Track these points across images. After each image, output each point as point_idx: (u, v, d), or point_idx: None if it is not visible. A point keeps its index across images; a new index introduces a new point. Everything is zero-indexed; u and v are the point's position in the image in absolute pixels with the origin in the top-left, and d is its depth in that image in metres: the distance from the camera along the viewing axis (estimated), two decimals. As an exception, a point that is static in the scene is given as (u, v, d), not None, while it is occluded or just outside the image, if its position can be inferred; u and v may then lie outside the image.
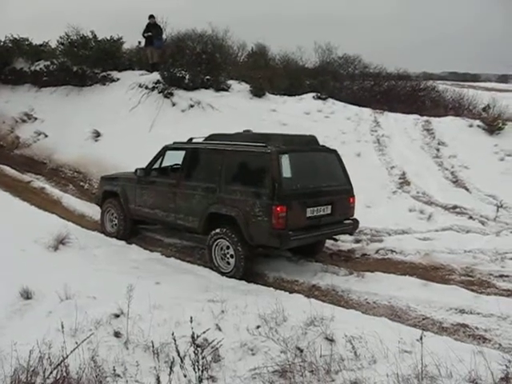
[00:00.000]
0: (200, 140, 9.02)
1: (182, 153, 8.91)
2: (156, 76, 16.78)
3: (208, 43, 24.14)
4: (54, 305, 6.19)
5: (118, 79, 17.84)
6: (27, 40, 20.59)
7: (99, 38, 19.16)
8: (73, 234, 8.80)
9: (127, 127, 14.35)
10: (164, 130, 13.60)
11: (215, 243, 8.07)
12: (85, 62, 18.14)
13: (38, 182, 13.14)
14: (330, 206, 8.11)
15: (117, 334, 5.48)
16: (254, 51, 27.73)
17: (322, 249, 9.19)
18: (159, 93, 16.07)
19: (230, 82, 17.76)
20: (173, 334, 4.16)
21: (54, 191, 12.44)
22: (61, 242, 8.46)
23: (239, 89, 17.51)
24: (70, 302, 6.13)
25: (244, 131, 9.20)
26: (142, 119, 14.64)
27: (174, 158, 9.22)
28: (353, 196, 8.59)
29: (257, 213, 7.50)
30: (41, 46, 20.70)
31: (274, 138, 8.21)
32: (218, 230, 7.99)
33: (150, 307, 5.92)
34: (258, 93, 17.14)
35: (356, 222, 8.63)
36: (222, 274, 7.90)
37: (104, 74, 18.16)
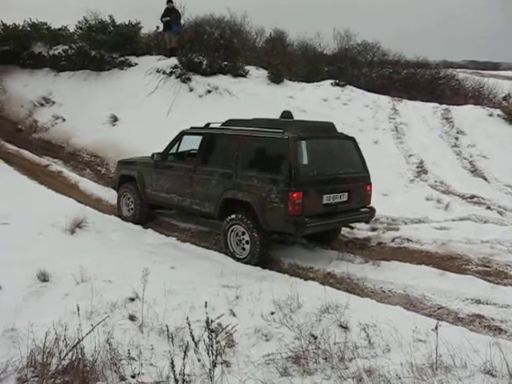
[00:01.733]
0: (217, 125, 8.98)
1: (199, 138, 8.89)
2: (174, 61, 16.75)
3: (226, 28, 24.10)
4: (70, 287, 6.23)
5: (136, 64, 17.81)
6: (46, 24, 20.61)
7: (117, 23, 19.10)
8: (89, 217, 8.84)
9: (145, 112, 14.36)
10: (181, 115, 13.58)
11: (231, 229, 8.09)
12: (103, 47, 18.12)
13: (56, 166, 13.24)
14: (346, 194, 8.08)
15: (132, 318, 5.50)
16: (272, 37, 27.60)
17: (338, 236, 9.17)
18: (177, 78, 16.05)
19: (248, 67, 17.70)
20: (187, 318, 4.18)
21: (72, 175, 12.52)
22: (77, 225, 8.52)
23: (257, 75, 17.45)
24: (85, 285, 6.16)
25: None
26: (160, 104, 14.63)
27: (191, 143, 9.18)
28: (370, 184, 8.55)
29: (273, 199, 7.50)
30: (59, 30, 20.69)
31: (292, 124, 8.20)
32: (233, 216, 8.00)
33: (164, 291, 5.92)
34: (275, 79, 17.07)
35: (372, 210, 8.61)
36: (238, 259, 7.92)
37: (122, 58, 18.14)
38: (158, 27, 20.08)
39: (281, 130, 7.71)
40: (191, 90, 15.62)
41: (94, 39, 18.31)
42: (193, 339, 3.95)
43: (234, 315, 5.65)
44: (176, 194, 9.02)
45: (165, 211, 10.18)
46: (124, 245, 8.17)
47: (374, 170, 8.79)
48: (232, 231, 8.10)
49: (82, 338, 4.51)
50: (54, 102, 16.97)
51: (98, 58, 17.94)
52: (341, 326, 5.32)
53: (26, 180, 11.62)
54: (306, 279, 7.13)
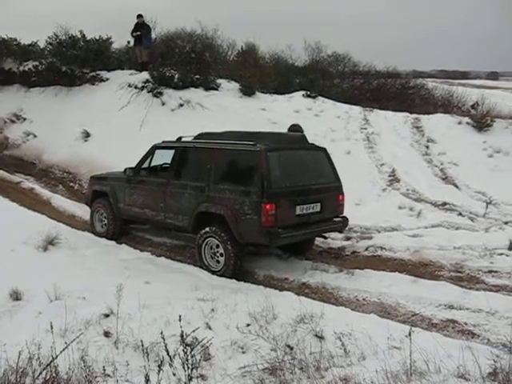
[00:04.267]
0: (189, 139, 9.01)
1: (172, 152, 8.90)
2: (145, 75, 16.75)
3: (197, 42, 24.09)
4: (44, 305, 6.17)
5: (108, 79, 17.75)
6: (15, 40, 20.42)
7: (88, 38, 19.04)
8: (62, 234, 8.78)
9: (117, 127, 14.30)
10: (154, 129, 13.56)
11: (205, 242, 8.07)
12: (74, 62, 18.01)
13: (28, 183, 13.09)
14: (319, 204, 8.15)
15: (106, 334, 5.48)
16: (243, 50, 27.66)
17: (312, 246, 9.21)
18: (148, 92, 16.03)
19: (220, 80, 17.76)
20: (161, 333, 4.16)
21: (44, 192, 12.39)
22: (50, 242, 8.44)
23: (229, 88, 17.51)
24: (59, 303, 6.11)
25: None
26: (132, 119, 14.60)
27: (164, 157, 9.22)
28: (342, 193, 8.64)
29: (246, 211, 7.53)
30: (29, 45, 20.51)
31: (263, 136, 8.32)
32: (207, 229, 7.99)
33: (139, 307, 5.89)
34: (247, 91, 17.15)
35: (345, 219, 8.68)
36: (213, 272, 7.90)
37: (93, 73, 18.05)
38: (128, 42, 20.10)
39: (252, 143, 7.79)
40: (163, 103, 15.61)
41: (65, 55, 18.20)
42: (168, 353, 3.93)
43: (209, 328, 5.64)
44: (149, 209, 8.99)
45: (139, 226, 10.12)
46: (98, 261, 8.10)
47: (346, 179, 8.88)
48: (206, 244, 8.08)
49: (56, 357, 4.45)
50: (25, 119, 16.80)
51: (68, 74, 17.83)
52: (316, 335, 5.34)
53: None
54: (281, 290, 7.16)
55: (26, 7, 38.57)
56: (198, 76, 17.05)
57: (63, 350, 4.57)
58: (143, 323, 5.59)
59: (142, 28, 18.06)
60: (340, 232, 9.03)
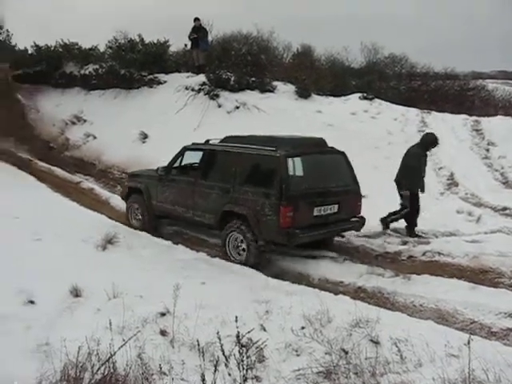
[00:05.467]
0: (216, 142, 9.52)
1: (200, 153, 9.46)
2: (202, 78, 16.97)
3: (253, 45, 24.16)
4: (102, 303, 6.29)
5: (165, 82, 18.10)
6: (77, 44, 21.13)
7: (146, 42, 19.48)
8: (120, 233, 8.96)
9: (174, 129, 14.52)
10: (210, 131, 13.63)
11: (229, 236, 8.61)
12: (132, 65, 18.48)
13: (88, 183, 13.46)
14: (336, 205, 8.59)
15: (163, 333, 5.54)
16: (299, 52, 27.62)
17: (332, 243, 9.48)
18: (205, 95, 16.25)
19: (276, 83, 17.79)
20: (218, 333, 4.19)
21: (103, 192, 12.70)
22: (109, 241, 8.62)
23: (284, 90, 17.52)
24: (117, 301, 6.22)
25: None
26: (189, 121, 14.80)
27: (193, 158, 9.70)
28: (360, 195, 9.04)
29: (266, 212, 8.04)
30: (90, 50, 21.17)
31: (284, 141, 8.74)
32: (231, 224, 8.53)
33: (195, 306, 5.92)
34: (303, 94, 17.12)
35: (362, 219, 9.06)
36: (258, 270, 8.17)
37: (151, 76, 18.46)
38: (186, 45, 20.35)
39: (273, 148, 8.22)
40: (219, 106, 15.78)
41: (124, 58, 18.70)
42: (223, 354, 3.96)
43: (264, 330, 5.64)
44: (179, 206, 9.51)
45: (194, 228, 10.23)
46: (155, 260, 8.22)
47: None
48: (230, 238, 8.61)
49: (114, 353, 4.54)
50: (85, 121, 17.30)
51: (127, 77, 18.28)
52: (372, 340, 5.27)
53: (59, 197, 11.84)
54: (336, 294, 7.07)
55: (86, 12, 39.51)
56: (253, 78, 17.15)
57: (121, 346, 4.67)
58: (199, 323, 5.62)
59: (198, 31, 18.30)
60: (357, 231, 9.36)
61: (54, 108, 18.48)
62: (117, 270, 7.39)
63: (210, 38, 20.32)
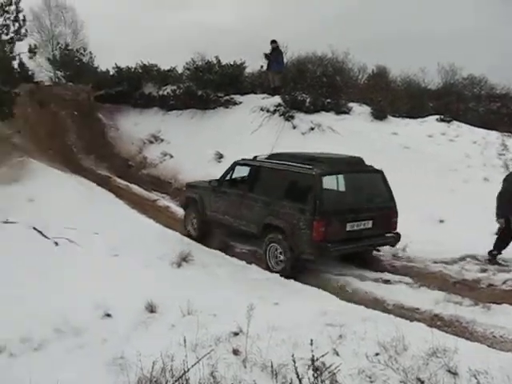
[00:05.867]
0: (263, 158, 10.18)
1: (248, 168, 10.18)
2: (277, 99, 17.08)
3: (328, 66, 24.24)
4: (177, 319, 6.40)
5: (241, 102, 18.34)
6: (156, 66, 21.79)
7: (223, 63, 19.84)
8: (195, 251, 9.10)
9: (249, 149, 14.52)
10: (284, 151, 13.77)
11: (269, 246, 9.18)
12: (209, 86, 18.85)
13: (164, 201, 13.75)
14: (370, 221, 8.95)
15: (235, 352, 5.55)
16: (374, 73, 27.49)
17: (370, 257, 9.79)
18: (280, 116, 16.34)
19: (351, 104, 17.69)
20: (293, 355, 4.17)
21: (179, 210, 12.89)
22: (184, 259, 8.78)
23: (360, 111, 17.39)
24: (191, 318, 6.31)
25: None
26: (263, 142, 14.87)
27: (242, 173, 10.43)
28: (395, 212, 9.28)
29: (301, 226, 8.57)
30: (168, 71, 21.79)
31: (322, 159, 9.21)
32: (271, 236, 9.11)
33: (268, 327, 5.92)
34: (379, 115, 16.93)
35: (398, 235, 9.36)
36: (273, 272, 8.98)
37: (227, 97, 18.76)
38: (261, 66, 20.58)
39: (310, 166, 8.79)
40: (294, 127, 15.82)
41: (201, 79, 19.12)
42: (298, 376, 3.94)
43: (337, 354, 5.55)
44: (229, 216, 10.18)
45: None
46: (228, 279, 8.29)
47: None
48: (270, 248, 9.17)
49: (188, 370, 4.60)
50: (162, 140, 17.75)
51: (204, 97, 18.66)
52: (449, 371, 5.10)
53: (135, 214, 12.15)
54: (411, 320, 6.88)
55: (164, 35, 40.67)
56: (329, 100, 17.13)
57: (195, 364, 4.73)
58: (271, 344, 5.60)
59: (274, 53, 18.48)
60: (392, 246, 9.60)
61: (132, 127, 19.08)
62: (191, 287, 7.49)
63: (284, 60, 20.49)
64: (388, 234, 9.32)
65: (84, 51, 26.01)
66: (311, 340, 4.18)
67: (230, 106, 18.39)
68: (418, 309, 7.60)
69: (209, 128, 17.02)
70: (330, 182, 8.89)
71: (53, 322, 6.20)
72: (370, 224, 8.93)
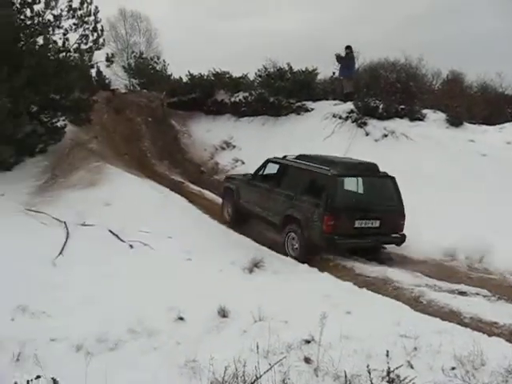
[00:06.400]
0: (291, 158, 11.44)
1: (277, 166, 11.56)
2: (349, 106, 16.93)
3: (401, 72, 23.85)
4: (248, 325, 6.44)
5: (313, 109, 18.27)
6: (228, 73, 22.04)
7: (295, 70, 19.87)
8: (267, 258, 9.15)
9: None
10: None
11: (287, 235, 10.40)
12: (281, 93, 18.91)
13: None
14: (378, 221, 10.04)
15: (307, 360, 5.53)
16: (449, 79, 26.88)
17: (379, 254, 10.62)
18: (353, 122, 16.19)
19: (425, 111, 17.28)
20: (368, 366, 4.11)
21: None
22: (255, 265, 8.84)
23: (435, 118, 16.95)
24: (263, 324, 6.34)
25: None
26: (335, 148, 14.72)
27: (273, 169, 11.68)
28: (403, 215, 10.22)
29: (314, 219, 9.79)
30: (240, 78, 21.99)
31: (339, 163, 10.42)
32: (289, 226, 10.35)
33: (340, 336, 5.88)
34: (454, 122, 16.45)
35: (403, 236, 10.27)
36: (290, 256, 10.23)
37: (299, 104, 18.71)
38: (334, 73, 20.49)
39: (328, 168, 10.00)
40: (367, 134, 15.63)
41: (273, 86, 19.21)
42: (372, 387, 3.88)
43: (411, 367, 5.43)
44: (258, 207, 11.50)
45: (341, 257, 10.19)
46: (300, 287, 8.25)
47: None
48: (288, 237, 10.38)
49: (260, 376, 4.61)
50: (234, 146, 17.93)
51: (276, 104, 18.72)
52: (531, 389, 4.90)
53: (207, 219, 12.32)
54: (489, 335, 6.66)
55: (238, 43, 41.27)
56: (402, 106, 16.81)
57: (267, 370, 4.74)
58: (343, 354, 5.53)
59: (348, 59, 18.35)
60: (397, 245, 10.47)
61: (205, 133, 19.37)
62: (263, 293, 7.52)
63: (356, 66, 20.31)
64: (394, 235, 10.28)
65: (157, 59, 26.76)
66: (387, 351, 4.10)
67: (302, 113, 18.36)
68: (496, 323, 7.32)
69: (280, 134, 17.05)
70: (343, 183, 10.17)
71: (127, 323, 6.37)
72: (377, 223, 10.05)
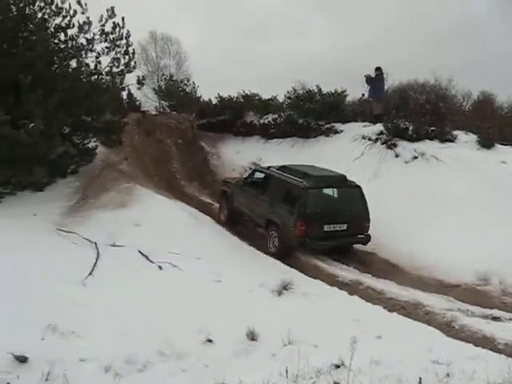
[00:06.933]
0: (275, 168, 13.02)
1: (263, 174, 13.28)
2: (379, 127, 16.84)
3: (431, 93, 23.74)
4: (277, 348, 6.39)
5: (342, 131, 18.25)
6: (257, 95, 22.24)
7: (324, 92, 19.92)
8: (296, 280, 9.08)
9: (350, 178, 14.50)
10: (387, 181, 13.60)
11: (269, 234, 12.09)
12: (310, 115, 19.00)
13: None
14: (345, 225, 11.59)
15: (337, 385, 5.45)
16: (479, 100, 26.66)
17: (349, 252, 12.11)
18: (382, 144, 16.07)
19: (456, 132, 17.10)
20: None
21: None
22: (284, 287, 8.79)
23: (465, 139, 16.75)
24: (292, 348, 6.28)
25: None
26: (365, 170, 14.71)
27: (260, 176, 13.40)
28: (368, 219, 11.72)
29: (290, 224, 11.44)
30: (269, 100, 22.21)
31: (312, 176, 11.81)
32: (271, 227, 12.09)
33: (370, 361, 5.78)
34: (486, 143, 16.22)
35: (368, 236, 11.78)
36: (269, 253, 11.86)
37: (328, 125, 18.73)
38: (363, 94, 20.45)
39: (301, 180, 11.65)
40: (397, 155, 15.49)
41: (302, 108, 19.30)
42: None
43: (444, 393, 5.32)
44: (247, 209, 13.39)
45: (369, 279, 10.09)
46: (330, 310, 8.18)
47: None
48: (270, 236, 12.03)
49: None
50: (263, 168, 17.93)
51: (305, 126, 18.80)
52: None
53: (236, 240, 12.34)
54: (525, 361, 6.50)
55: (267, 65, 41.56)
56: (432, 128, 16.67)
57: (297, 395, 4.68)
58: (374, 379, 5.46)
59: (378, 81, 18.34)
60: (364, 244, 11.93)
61: (234, 155, 19.49)
62: (292, 316, 7.47)
63: (385, 87, 20.26)
64: (360, 236, 11.83)
65: (187, 81, 27.05)
66: (419, 378, 4.02)
67: (331, 135, 18.35)
68: (532, 349, 7.17)
69: (310, 156, 16.95)
70: (313, 194, 11.53)
71: (156, 344, 6.36)
72: (345, 226, 11.60)
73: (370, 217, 11.70)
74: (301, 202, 11.33)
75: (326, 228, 11.39)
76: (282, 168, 12.83)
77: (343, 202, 12.02)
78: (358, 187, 11.96)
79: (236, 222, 13.96)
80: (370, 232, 11.80)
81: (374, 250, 11.95)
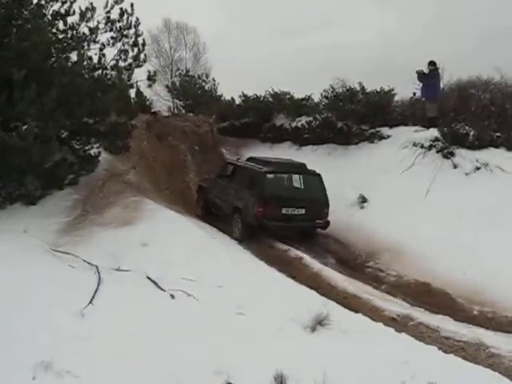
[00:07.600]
0: (242, 160, 16.78)
1: (232, 166, 16.40)
2: (434, 133, 16.69)
3: (496, 92, 23.46)
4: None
5: (389, 136, 18.17)
6: (288, 94, 22.10)
7: (367, 91, 19.86)
8: (333, 314, 8.96)
9: (398, 192, 14.43)
10: (443, 196, 13.45)
11: (234, 219, 14.91)
12: (351, 118, 18.93)
13: (295, 251, 13.73)
14: (303, 209, 14.50)
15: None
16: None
17: (313, 237, 15.01)
18: (437, 152, 15.94)
19: (528, 138, 16.92)
20: None
21: (313, 263, 12.88)
22: (319, 322, 8.67)
23: (540, 146, 16.57)
24: (326, 394, 6.20)
25: None
26: (417, 183, 14.60)
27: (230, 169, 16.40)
28: (327, 205, 14.57)
29: (250, 206, 14.36)
30: (302, 100, 22.01)
31: (273, 163, 15.31)
32: (235, 213, 14.96)
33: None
34: (562, 152, 16.04)
35: (327, 222, 14.56)
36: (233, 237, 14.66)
37: (372, 130, 18.71)
38: (414, 93, 20.34)
39: (261, 166, 14.82)
40: (455, 166, 15.33)
41: (342, 109, 19.23)
42: None
43: None
44: (219, 199, 16.12)
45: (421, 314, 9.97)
46: (372, 350, 8.06)
47: None
48: (235, 221, 14.84)
49: None
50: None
51: (344, 130, 18.78)
52: None
53: (262, 265, 12.27)
54: None
55: (298, 60, 41.64)
56: (498, 133, 16.49)
57: None
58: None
59: (432, 77, 18.16)
60: (323, 229, 14.73)
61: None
62: (328, 357, 7.36)
63: (441, 85, 20.10)
64: (318, 221, 14.57)
65: (206, 78, 26.99)
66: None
67: (376, 141, 18.28)
68: None
69: (350, 166, 16.99)
70: (272, 179, 14.77)
71: (167, 385, 6.33)
72: (302, 211, 14.49)
73: (380, 227, 13.61)
74: (260, 186, 14.42)
75: (284, 211, 14.34)
76: (249, 159, 16.35)
77: (302, 188, 15.11)
78: (318, 175, 14.86)
79: (210, 214, 16.53)
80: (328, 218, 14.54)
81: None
